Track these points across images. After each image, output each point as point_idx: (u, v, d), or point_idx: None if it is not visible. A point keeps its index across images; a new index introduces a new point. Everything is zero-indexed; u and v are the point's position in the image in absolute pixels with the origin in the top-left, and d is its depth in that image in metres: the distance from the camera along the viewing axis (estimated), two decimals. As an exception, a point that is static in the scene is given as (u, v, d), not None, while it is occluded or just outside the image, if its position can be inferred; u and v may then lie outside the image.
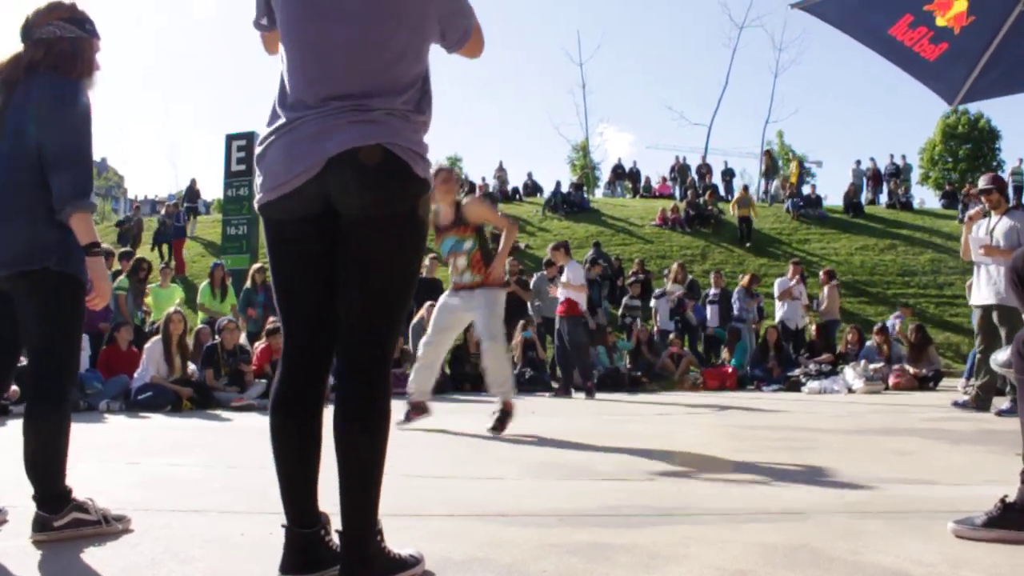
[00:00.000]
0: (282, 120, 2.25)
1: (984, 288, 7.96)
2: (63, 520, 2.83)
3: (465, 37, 2.44)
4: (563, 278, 11.00)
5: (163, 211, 24.17)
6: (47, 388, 2.90)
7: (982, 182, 8.25)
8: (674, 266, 15.51)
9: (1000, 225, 7.80)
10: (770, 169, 28.45)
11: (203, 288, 12.82)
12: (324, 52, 2.23)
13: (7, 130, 2.89)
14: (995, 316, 7.75)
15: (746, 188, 21.45)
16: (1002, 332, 7.67)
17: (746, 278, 14.66)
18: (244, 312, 12.43)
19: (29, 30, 2.96)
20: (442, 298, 6.48)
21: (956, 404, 8.20)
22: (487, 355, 6.20)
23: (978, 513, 2.79)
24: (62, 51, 2.95)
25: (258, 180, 2.30)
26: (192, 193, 28.11)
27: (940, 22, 4.27)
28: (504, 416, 6.02)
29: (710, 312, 14.78)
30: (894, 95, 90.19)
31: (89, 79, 3.04)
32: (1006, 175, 27.41)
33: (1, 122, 2.90)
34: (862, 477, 4.00)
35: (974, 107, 40.02)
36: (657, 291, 15.18)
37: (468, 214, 6.18)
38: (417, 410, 6.30)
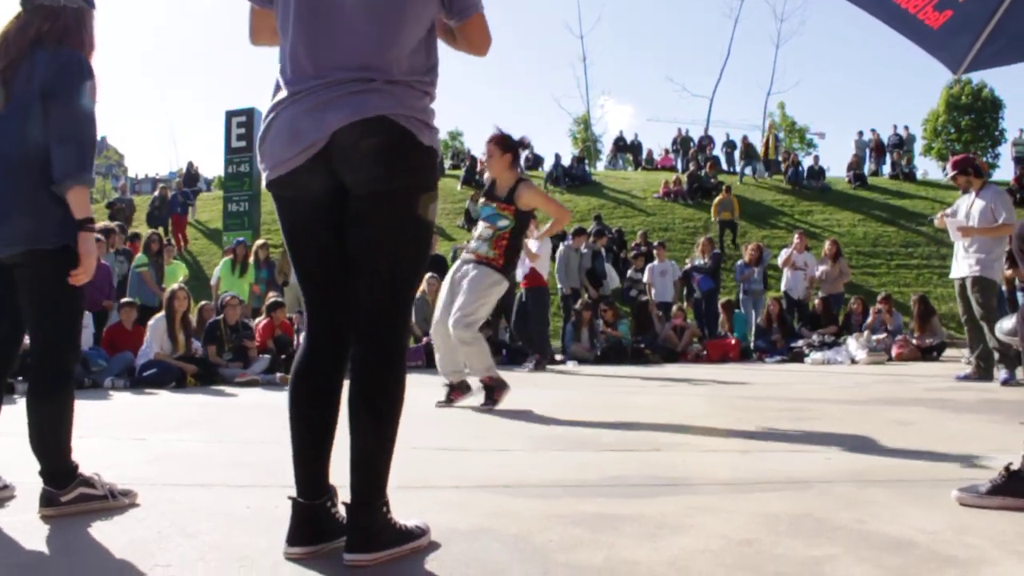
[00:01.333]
0: (284, 93, 2.24)
1: (960, 262, 8.20)
2: (70, 495, 2.85)
3: (468, 8, 2.38)
4: (533, 249, 11.02)
5: (157, 191, 23.78)
6: (51, 366, 2.91)
7: (948, 169, 8.51)
8: (701, 240, 15.32)
9: (976, 204, 8.04)
10: (750, 152, 27.92)
11: (223, 264, 12.83)
12: (325, 22, 2.21)
13: (13, 104, 2.86)
14: (969, 288, 7.86)
15: (728, 189, 20.92)
16: (975, 304, 7.80)
17: (750, 251, 14.56)
18: (250, 291, 12.49)
19: None
20: (450, 272, 6.18)
21: (959, 378, 8.24)
22: (457, 337, 5.77)
23: (982, 481, 2.79)
24: (67, 24, 2.93)
25: (262, 156, 2.28)
26: (191, 177, 27.64)
27: (945, -11, 4.22)
28: (491, 390, 5.89)
29: (700, 281, 14.71)
30: (897, 66, 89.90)
31: (91, 52, 3.02)
32: (1008, 145, 27.26)
33: (7, 95, 2.87)
34: (866, 447, 4.01)
35: (977, 77, 39.66)
36: (688, 264, 15.11)
37: (519, 196, 5.84)
38: (458, 390, 6.09)
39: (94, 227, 2.92)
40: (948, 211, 8.50)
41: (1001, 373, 7.74)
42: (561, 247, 14.35)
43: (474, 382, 6.05)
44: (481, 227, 6.03)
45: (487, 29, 2.47)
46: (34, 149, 2.84)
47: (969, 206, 8.10)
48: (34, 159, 2.84)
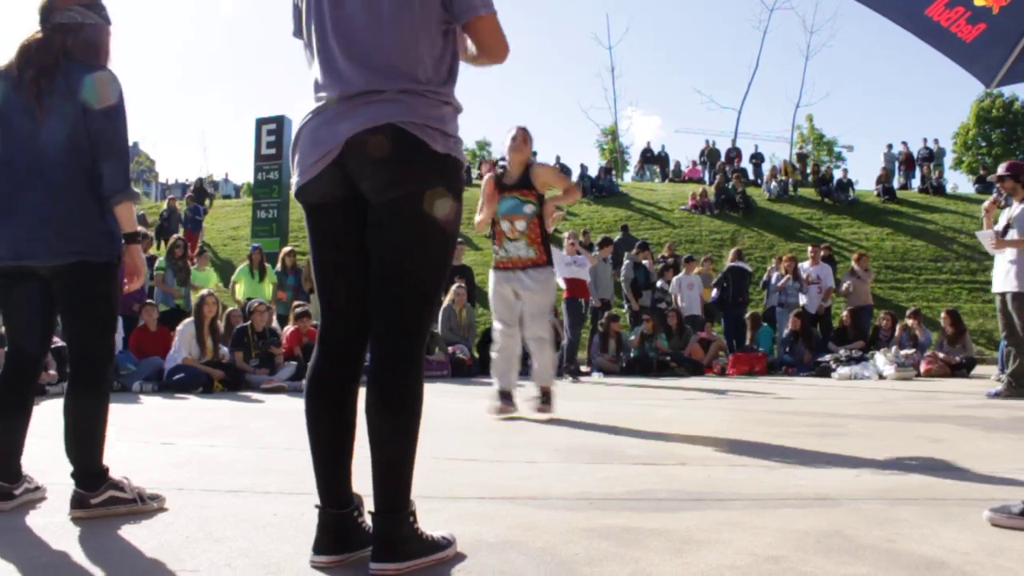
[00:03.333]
0: (312, 106, 2.29)
1: (1001, 275, 7.96)
2: (100, 498, 2.88)
3: (470, 10, 2.29)
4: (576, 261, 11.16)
5: (166, 203, 23.09)
6: (89, 372, 2.97)
7: (1000, 169, 8.21)
8: (784, 257, 15.08)
9: (1019, 213, 7.76)
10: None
11: (241, 270, 12.95)
12: (341, 40, 2.26)
13: (51, 119, 2.90)
14: (1009, 303, 7.73)
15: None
16: (1016, 319, 7.65)
17: (785, 263, 14.41)
18: (274, 295, 12.56)
19: (49, 13, 2.97)
20: (493, 284, 6.06)
21: (990, 395, 8.11)
22: (533, 342, 5.89)
23: (1014, 502, 2.76)
24: (86, 39, 2.98)
25: (293, 166, 2.33)
26: (201, 192, 26.58)
27: (978, 2, 4.19)
28: (547, 397, 5.93)
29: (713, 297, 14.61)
30: (927, 79, 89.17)
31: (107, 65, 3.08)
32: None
33: (42, 105, 2.90)
34: (894, 464, 3.97)
35: (1008, 90, 39.39)
36: (763, 280, 14.99)
37: (535, 176, 5.83)
38: (506, 401, 6.01)
39: (141, 240, 3.00)
40: (998, 227, 8.13)
41: None
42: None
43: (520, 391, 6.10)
44: (507, 226, 5.90)
45: (499, 31, 2.37)
46: (79, 162, 2.90)
47: (1011, 215, 7.90)
48: (79, 172, 2.90)
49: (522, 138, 5.88)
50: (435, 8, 2.28)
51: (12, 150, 2.95)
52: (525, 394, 6.08)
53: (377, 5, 2.23)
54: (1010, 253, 7.79)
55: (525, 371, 6.45)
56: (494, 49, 2.41)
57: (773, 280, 14.43)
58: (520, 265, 5.86)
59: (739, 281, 14.44)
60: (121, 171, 2.91)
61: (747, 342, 13.56)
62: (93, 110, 2.88)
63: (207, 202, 26.05)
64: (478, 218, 6.03)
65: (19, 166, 2.93)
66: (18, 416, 3.05)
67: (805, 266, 14.29)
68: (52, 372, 8.63)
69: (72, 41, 2.96)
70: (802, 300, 14.01)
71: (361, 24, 2.24)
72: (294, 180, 2.33)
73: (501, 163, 6.12)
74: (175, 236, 13.54)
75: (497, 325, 6.07)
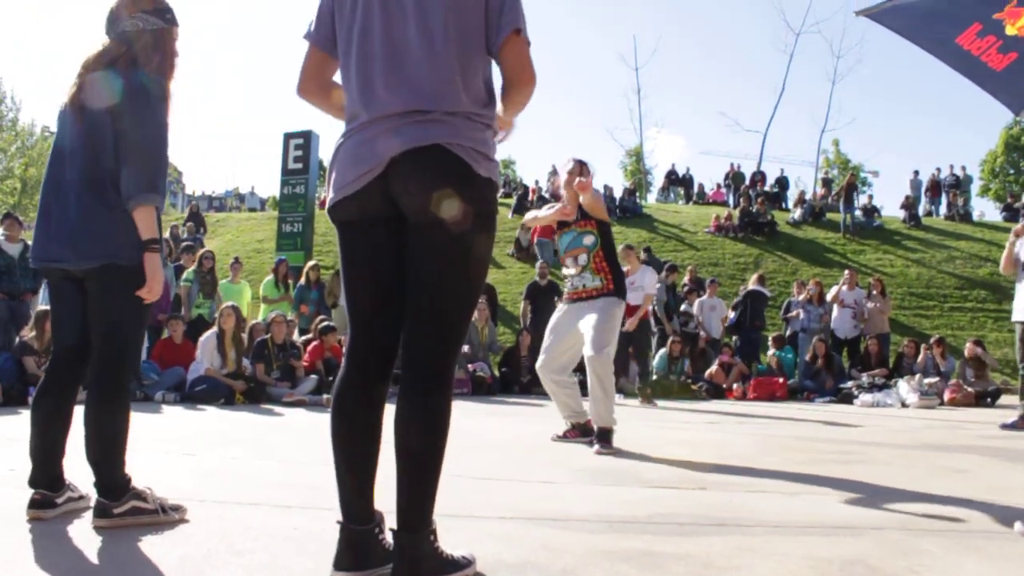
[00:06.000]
0: (352, 124, 2.30)
1: (1021, 304, 7.87)
2: (122, 508, 2.90)
3: (512, 23, 2.29)
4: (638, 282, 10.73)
5: (168, 231, 22.70)
6: (110, 379, 2.97)
7: None
8: (810, 283, 14.94)
9: None
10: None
11: (267, 282, 13.04)
12: (387, 59, 2.27)
13: (86, 123, 2.98)
14: None
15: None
16: None
17: (814, 289, 14.35)
18: (297, 308, 12.62)
19: (114, 23, 3.05)
20: (558, 315, 5.79)
21: (1004, 426, 7.94)
22: (592, 369, 5.40)
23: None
24: (144, 45, 3.03)
25: (329, 185, 2.34)
26: (196, 218, 25.88)
27: (1010, 31, 4.19)
28: (606, 434, 5.43)
29: (731, 318, 14.55)
30: (955, 105, 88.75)
31: (170, 71, 3.12)
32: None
33: (80, 115, 2.98)
34: (917, 494, 3.94)
35: (1038, 119, 39.11)
36: (790, 312, 14.80)
37: (589, 207, 5.60)
38: (577, 431, 5.81)
39: (159, 248, 2.99)
40: (1018, 227, 8.01)
41: None
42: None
43: (524, 412, 5.96)
44: (570, 261, 5.70)
45: (530, 55, 2.37)
46: (108, 166, 2.94)
47: None
48: (108, 176, 2.94)
49: (571, 174, 5.66)
50: (481, 30, 2.30)
51: (56, 155, 3.05)
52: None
53: (431, 30, 2.25)
54: None
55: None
56: (524, 74, 2.38)
57: (795, 306, 14.36)
58: (586, 295, 5.63)
59: (756, 305, 14.39)
60: (142, 175, 2.91)
61: (769, 364, 13.49)
62: (120, 115, 2.92)
63: (200, 230, 25.65)
64: (531, 215, 6.03)
65: (58, 171, 3.02)
66: (55, 419, 3.04)
67: (843, 290, 14.18)
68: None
69: (126, 50, 3.02)
70: (832, 323, 13.93)
71: (415, 48, 2.25)
72: (328, 198, 2.34)
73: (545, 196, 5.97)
74: (203, 249, 13.60)
75: (542, 360, 5.77)
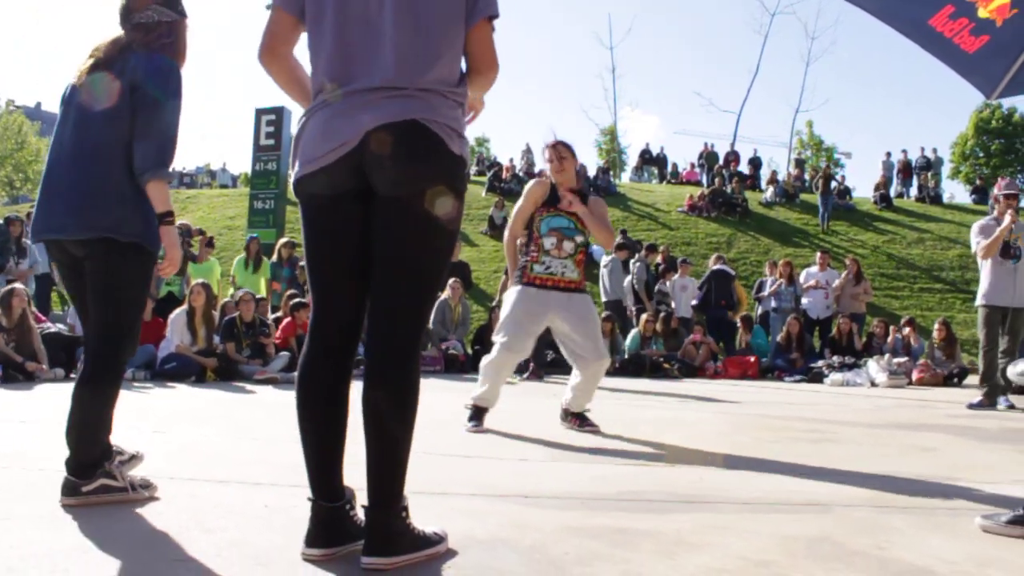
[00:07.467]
0: (319, 99, 2.27)
1: (985, 287, 8.10)
2: (91, 485, 2.88)
3: (489, 6, 2.34)
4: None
5: None
6: (104, 358, 2.97)
7: (1007, 187, 8.37)
8: (780, 263, 14.96)
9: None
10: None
11: (237, 261, 12.92)
12: (363, 33, 2.25)
13: (99, 100, 2.99)
14: (1011, 319, 7.86)
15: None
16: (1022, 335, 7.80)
17: (780, 267, 14.45)
18: (269, 286, 12.54)
19: (128, 14, 3.08)
20: (523, 292, 5.28)
21: (971, 406, 8.10)
22: (595, 373, 5.31)
23: (1004, 511, 2.77)
24: (160, 35, 3.08)
25: (295, 157, 2.31)
26: None
27: (982, 14, 4.20)
28: (584, 418, 5.47)
29: (697, 298, 14.64)
30: (927, 87, 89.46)
31: (182, 60, 3.17)
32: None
33: (92, 91, 3.00)
34: (885, 472, 3.98)
35: (1008, 102, 39.37)
36: (762, 291, 14.84)
37: (592, 210, 5.36)
38: (479, 415, 5.41)
39: (174, 220, 3.04)
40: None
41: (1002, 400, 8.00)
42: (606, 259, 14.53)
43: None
44: (552, 242, 5.31)
45: (493, 44, 2.39)
46: (119, 143, 2.96)
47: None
48: (119, 153, 2.96)
49: (564, 153, 5.41)
50: (460, 8, 2.30)
51: (63, 133, 3.06)
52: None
53: (410, 5, 2.24)
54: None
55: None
56: (489, 61, 2.40)
57: (767, 285, 14.47)
58: (563, 285, 5.30)
59: (722, 285, 14.49)
60: (155, 150, 2.95)
61: (741, 345, 13.60)
62: (139, 92, 2.95)
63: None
64: (510, 228, 5.54)
65: (65, 147, 3.03)
66: (78, 400, 2.94)
67: (813, 271, 14.37)
68: (44, 366, 8.64)
69: (142, 37, 3.06)
70: (804, 302, 14.08)
71: (392, 22, 2.23)
72: (294, 171, 2.32)
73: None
74: (178, 223, 13.49)
75: (503, 340, 5.28)
